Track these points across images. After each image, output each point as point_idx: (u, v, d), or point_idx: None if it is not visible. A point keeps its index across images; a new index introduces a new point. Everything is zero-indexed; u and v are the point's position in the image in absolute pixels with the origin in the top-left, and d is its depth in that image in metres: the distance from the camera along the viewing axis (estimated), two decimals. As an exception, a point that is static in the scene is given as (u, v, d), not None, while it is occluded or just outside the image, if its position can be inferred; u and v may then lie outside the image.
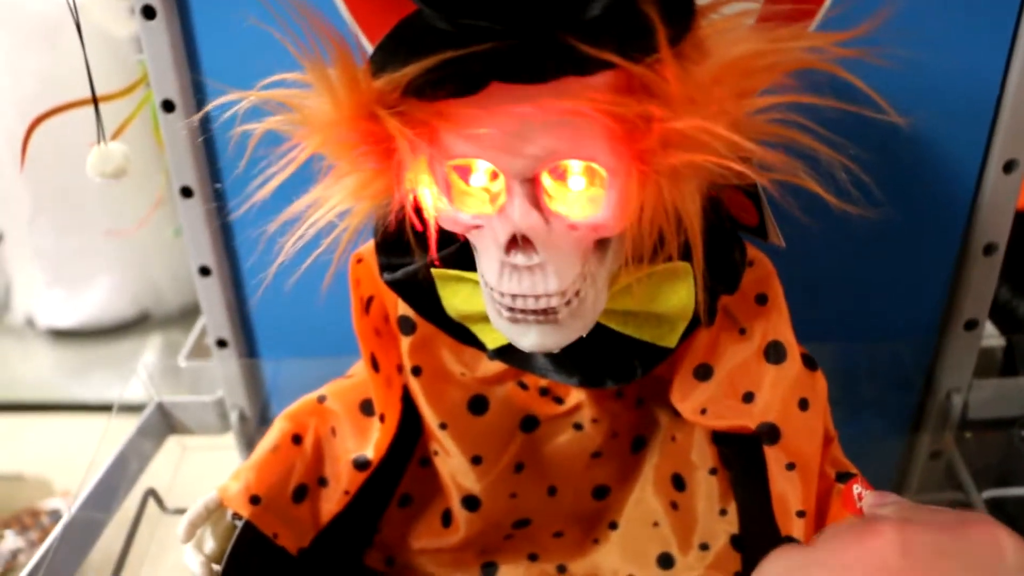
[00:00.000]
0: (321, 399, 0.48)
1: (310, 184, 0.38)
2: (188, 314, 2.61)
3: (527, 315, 0.34)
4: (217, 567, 0.45)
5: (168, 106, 0.53)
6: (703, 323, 0.39)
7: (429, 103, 0.31)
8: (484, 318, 0.38)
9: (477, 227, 0.34)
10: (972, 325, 0.58)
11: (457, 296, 0.40)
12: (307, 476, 0.47)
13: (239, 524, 0.45)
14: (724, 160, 0.30)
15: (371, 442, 0.46)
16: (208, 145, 0.54)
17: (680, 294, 0.37)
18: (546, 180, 0.33)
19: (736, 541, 0.47)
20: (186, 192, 0.55)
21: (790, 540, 0.41)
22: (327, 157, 0.36)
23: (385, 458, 0.47)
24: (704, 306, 0.37)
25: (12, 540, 1.83)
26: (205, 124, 0.52)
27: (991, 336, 0.64)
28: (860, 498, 0.40)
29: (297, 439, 0.47)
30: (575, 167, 0.32)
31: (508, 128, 0.31)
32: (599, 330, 0.38)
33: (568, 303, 0.34)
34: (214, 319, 0.60)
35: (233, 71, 0.50)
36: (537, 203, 0.32)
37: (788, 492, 0.40)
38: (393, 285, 0.41)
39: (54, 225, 2.46)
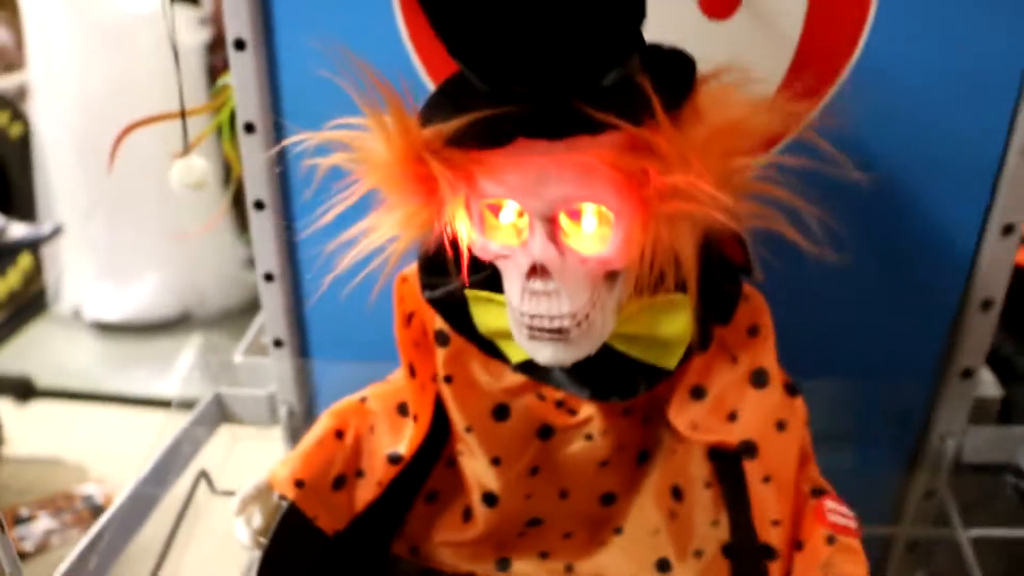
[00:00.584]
0: (363, 400, 0.55)
1: (366, 208, 0.45)
2: (228, 317, 2.72)
3: (543, 333, 0.41)
4: (263, 540, 0.52)
5: (249, 128, 0.60)
6: (697, 348, 0.45)
7: (468, 152, 0.38)
8: (509, 335, 0.45)
9: (504, 256, 0.41)
10: (968, 374, 0.64)
11: (487, 315, 0.46)
12: (346, 467, 0.54)
13: (284, 504, 0.52)
14: (709, 210, 0.36)
15: (404, 440, 0.53)
16: (281, 167, 0.62)
17: (679, 322, 0.43)
18: (563, 220, 0.39)
19: (726, 549, 0.53)
20: (259, 205, 0.63)
21: (767, 548, 0.47)
22: (381, 191, 0.43)
23: (416, 455, 0.54)
24: (698, 333, 0.43)
25: (46, 521, 1.93)
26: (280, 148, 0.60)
27: (990, 386, 0.69)
28: (831, 512, 0.46)
29: (340, 434, 0.54)
30: (588, 209, 0.39)
31: (531, 175, 0.38)
32: (608, 351, 0.44)
33: (579, 324, 0.40)
34: (273, 320, 0.67)
35: (309, 100, 0.59)
36: (555, 239, 0.39)
37: (765, 502, 0.46)
38: (432, 302, 0.48)
39: (108, 221, 2.59)
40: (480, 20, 0.35)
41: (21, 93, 2.69)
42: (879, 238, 0.60)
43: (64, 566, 0.60)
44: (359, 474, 0.54)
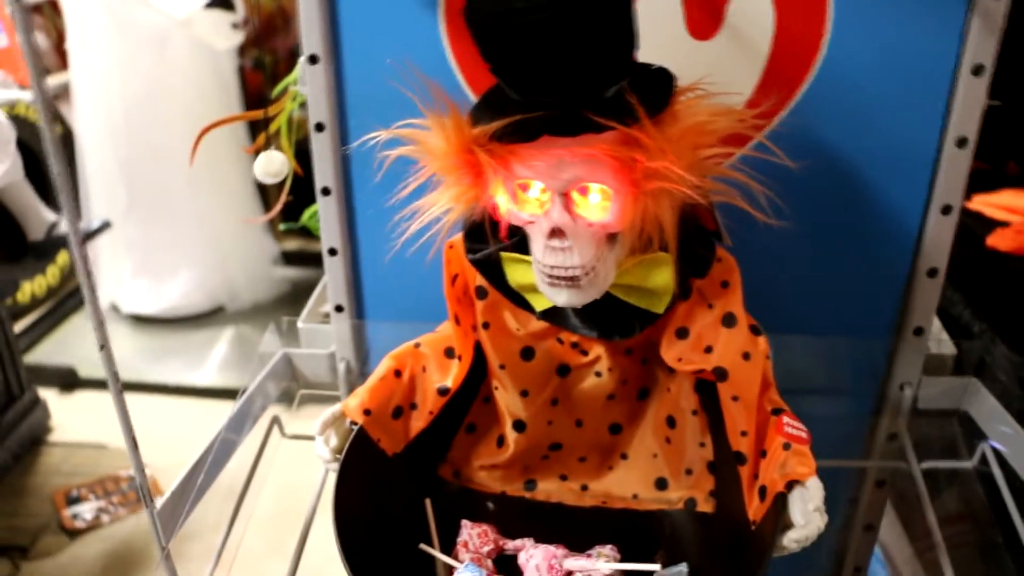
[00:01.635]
0: (417, 345, 0.70)
1: (414, 196, 0.60)
2: (259, 310, 2.88)
3: (560, 281, 0.56)
4: (338, 456, 0.67)
5: (319, 127, 0.75)
6: (680, 297, 0.60)
7: (505, 145, 0.53)
8: (534, 289, 0.60)
9: (531, 222, 0.57)
10: (919, 332, 0.78)
11: (516, 272, 0.62)
12: (403, 400, 0.69)
13: (354, 428, 0.67)
14: (681, 187, 0.51)
15: (451, 375, 0.68)
16: (345, 156, 0.77)
17: (664, 275, 0.58)
18: (575, 195, 0.55)
19: (710, 466, 0.67)
20: (325, 192, 0.78)
21: (738, 454, 0.61)
22: (438, 175, 0.58)
23: (458, 391, 0.69)
24: (679, 285, 0.58)
25: (95, 502, 2.09)
26: (345, 142, 0.75)
27: (946, 344, 0.83)
28: (788, 425, 0.60)
29: (398, 373, 0.69)
30: (593, 187, 0.54)
31: (552, 162, 0.53)
32: (610, 299, 0.60)
33: (587, 274, 0.56)
34: (335, 288, 0.82)
35: (368, 105, 0.74)
36: (569, 209, 0.55)
37: (734, 417, 0.60)
38: (474, 263, 0.63)
39: (145, 219, 2.74)
40: (518, 50, 0.51)
41: (60, 95, 2.85)
42: (839, 218, 0.74)
43: (161, 501, 0.71)
44: (413, 406, 0.69)
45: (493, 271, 0.63)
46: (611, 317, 0.62)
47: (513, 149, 0.54)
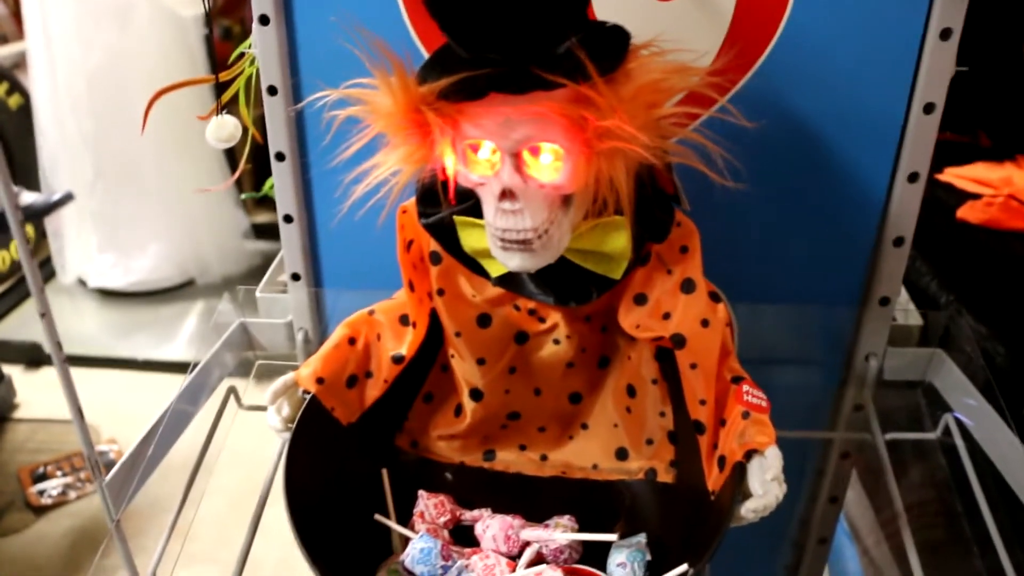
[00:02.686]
0: (371, 312, 0.69)
1: (370, 157, 0.58)
2: (230, 283, 2.85)
3: (513, 245, 0.55)
4: (291, 426, 0.65)
5: (272, 90, 0.74)
6: (637, 263, 0.59)
7: (453, 103, 0.52)
8: (488, 253, 0.58)
9: (482, 184, 0.55)
10: (885, 302, 0.77)
11: (470, 236, 0.60)
12: (358, 369, 0.67)
13: (307, 397, 0.66)
14: (634, 147, 0.50)
15: (406, 343, 0.67)
16: (299, 120, 0.75)
17: (620, 240, 0.57)
18: (526, 155, 0.53)
19: (671, 436, 0.67)
20: (279, 156, 0.76)
21: (697, 423, 0.61)
22: (386, 136, 0.56)
23: (414, 359, 0.68)
24: (635, 249, 0.57)
25: (62, 478, 2.07)
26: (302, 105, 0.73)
27: (912, 315, 0.83)
28: (747, 393, 0.60)
29: (352, 341, 0.67)
30: (545, 147, 0.53)
31: (501, 121, 0.52)
32: (566, 264, 0.58)
33: (539, 237, 0.54)
34: (291, 256, 0.81)
35: (321, 66, 0.72)
36: (519, 170, 0.53)
37: (693, 385, 0.60)
38: (427, 227, 0.62)
39: (111, 191, 2.71)
40: (463, 3, 0.49)
41: (16, 64, 2.80)
42: (804, 185, 0.73)
43: (112, 473, 0.70)
44: (368, 374, 0.68)
45: (447, 236, 0.62)
46: (567, 283, 0.60)
47: (462, 108, 0.52)
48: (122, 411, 2.03)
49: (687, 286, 0.60)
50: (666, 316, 0.60)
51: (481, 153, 0.55)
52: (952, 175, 1.33)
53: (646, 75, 0.52)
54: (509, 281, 0.62)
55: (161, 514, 0.72)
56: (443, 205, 0.60)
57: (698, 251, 0.61)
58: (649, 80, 0.52)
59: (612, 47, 0.53)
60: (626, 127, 0.50)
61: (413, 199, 0.63)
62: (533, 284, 0.62)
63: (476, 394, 0.68)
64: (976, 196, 1.25)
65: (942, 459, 0.77)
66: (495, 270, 0.62)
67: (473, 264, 0.63)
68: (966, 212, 1.21)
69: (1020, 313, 0.94)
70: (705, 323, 0.59)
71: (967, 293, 0.96)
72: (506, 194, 0.54)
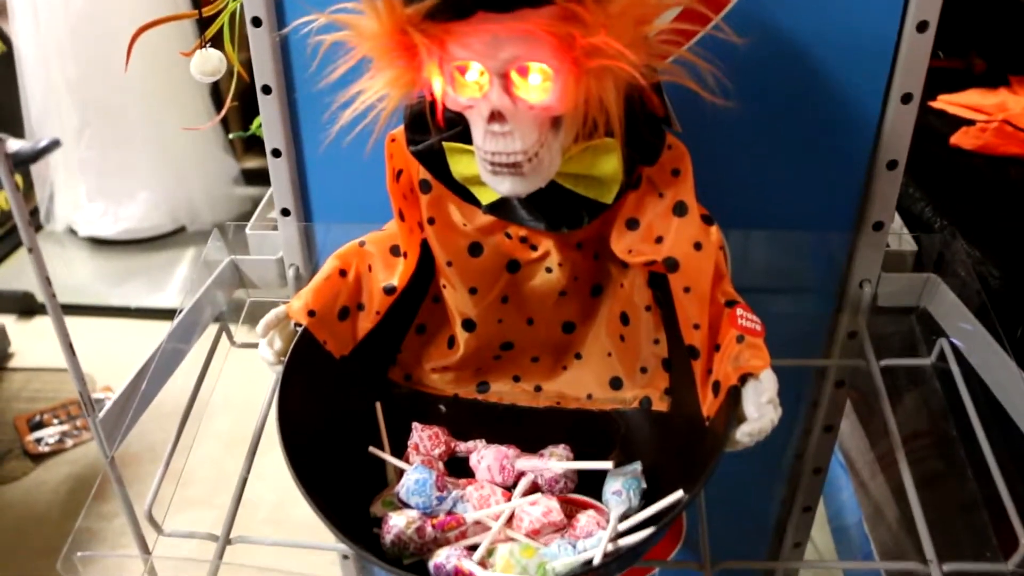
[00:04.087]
0: (361, 243, 0.68)
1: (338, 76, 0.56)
2: (220, 227, 2.83)
3: (503, 168, 0.54)
4: (283, 359, 0.65)
5: (256, 22, 0.72)
6: (627, 185, 0.58)
7: (440, 23, 0.50)
8: (479, 180, 0.57)
9: (470, 107, 0.54)
10: (879, 226, 0.76)
11: (460, 163, 0.59)
12: (349, 300, 0.67)
13: (299, 330, 0.65)
14: (623, 65, 0.49)
15: (397, 273, 0.66)
16: (284, 53, 0.74)
17: (611, 162, 0.56)
18: (514, 76, 0.52)
19: (665, 364, 0.66)
20: (266, 90, 0.75)
21: (691, 348, 0.60)
22: (373, 59, 0.55)
23: (406, 290, 0.67)
24: (625, 171, 0.56)
25: (58, 426, 2.08)
26: (283, 37, 0.72)
27: (906, 240, 0.82)
28: (741, 317, 0.59)
29: (343, 272, 0.66)
30: (533, 67, 0.51)
31: (488, 40, 0.50)
32: (556, 188, 0.57)
33: (530, 160, 0.53)
34: (280, 191, 0.80)
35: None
36: (508, 91, 0.52)
37: (686, 309, 0.59)
38: (416, 155, 0.61)
39: (99, 139, 2.68)
40: None
41: (-1, 12, 2.75)
42: (797, 109, 0.72)
43: (104, 410, 0.70)
44: (360, 307, 0.67)
45: (436, 163, 0.61)
46: (558, 208, 0.60)
47: (448, 28, 0.50)
48: (116, 359, 2.02)
49: (679, 209, 0.59)
50: (658, 240, 0.59)
51: (469, 75, 0.53)
52: (945, 102, 1.31)
53: None
54: (500, 208, 0.61)
55: (156, 460, 0.72)
56: (432, 131, 0.59)
57: (690, 174, 0.60)
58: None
59: None
60: (615, 44, 0.49)
61: (401, 127, 0.62)
62: (524, 210, 0.61)
63: (469, 324, 0.68)
64: (970, 122, 1.24)
65: (937, 385, 0.77)
66: (486, 197, 0.61)
67: (463, 192, 0.62)
68: (960, 138, 1.20)
69: (1014, 236, 0.93)
70: (698, 246, 0.58)
71: (961, 218, 0.96)
72: (495, 116, 0.52)
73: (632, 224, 0.60)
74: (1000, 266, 0.87)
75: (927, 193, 0.99)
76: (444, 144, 0.59)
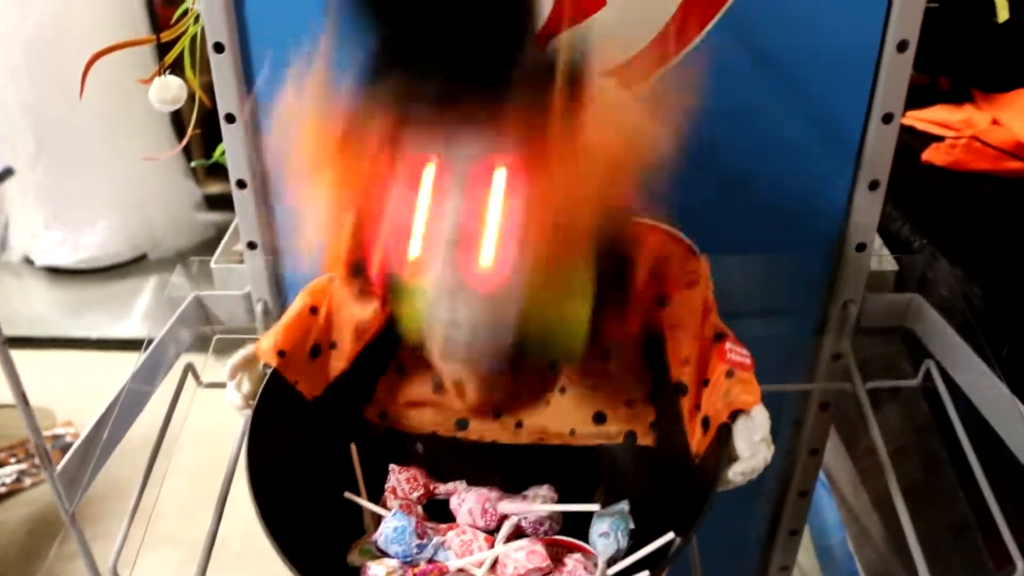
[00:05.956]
0: (331, 279, 0.65)
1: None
2: (183, 257, 2.77)
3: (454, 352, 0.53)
4: (252, 402, 0.62)
5: (219, 48, 0.69)
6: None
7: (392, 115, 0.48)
8: None
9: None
10: (862, 247, 0.75)
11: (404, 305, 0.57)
12: (320, 338, 0.64)
13: (268, 371, 0.62)
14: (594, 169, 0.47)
15: (369, 311, 0.63)
16: (248, 79, 0.71)
17: (579, 301, 0.54)
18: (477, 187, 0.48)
19: (650, 397, 0.64)
20: (229, 119, 0.72)
21: (679, 384, 0.58)
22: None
23: (382, 331, 0.64)
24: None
25: (16, 465, 2.01)
26: (247, 63, 0.69)
27: (887, 261, 0.81)
28: (730, 351, 0.57)
29: (314, 310, 0.64)
30: (497, 166, 0.48)
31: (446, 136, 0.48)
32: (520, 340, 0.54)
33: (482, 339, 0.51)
34: (246, 225, 0.77)
35: (271, 18, 0.68)
36: (469, 199, 0.48)
37: (677, 344, 0.57)
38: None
39: (56, 165, 2.62)
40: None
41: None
42: (779, 130, 0.71)
43: (63, 462, 0.66)
44: (332, 346, 0.64)
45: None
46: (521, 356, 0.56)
47: (398, 128, 0.48)
48: (78, 392, 1.98)
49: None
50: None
51: (424, 181, 0.50)
52: (913, 118, 1.31)
53: (606, 93, 0.49)
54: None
55: (121, 498, 0.69)
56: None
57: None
58: (609, 98, 0.49)
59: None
60: (586, 147, 0.47)
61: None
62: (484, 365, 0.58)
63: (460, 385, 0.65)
64: (939, 138, 1.24)
65: (924, 406, 0.76)
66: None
67: None
68: (931, 154, 1.19)
69: (994, 254, 0.93)
70: (690, 284, 0.57)
71: (939, 236, 0.95)
72: (451, 240, 0.49)
73: None
74: (983, 285, 0.86)
75: (902, 211, 0.98)
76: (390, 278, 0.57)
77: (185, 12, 0.78)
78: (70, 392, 2.04)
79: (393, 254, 0.51)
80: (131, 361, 0.75)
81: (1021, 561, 0.60)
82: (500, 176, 0.48)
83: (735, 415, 0.54)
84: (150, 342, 0.77)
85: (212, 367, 0.81)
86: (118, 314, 2.59)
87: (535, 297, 0.52)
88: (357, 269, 0.62)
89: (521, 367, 0.66)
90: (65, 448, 0.63)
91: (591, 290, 0.54)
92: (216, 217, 2.86)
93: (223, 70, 0.70)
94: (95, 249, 2.75)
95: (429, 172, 0.49)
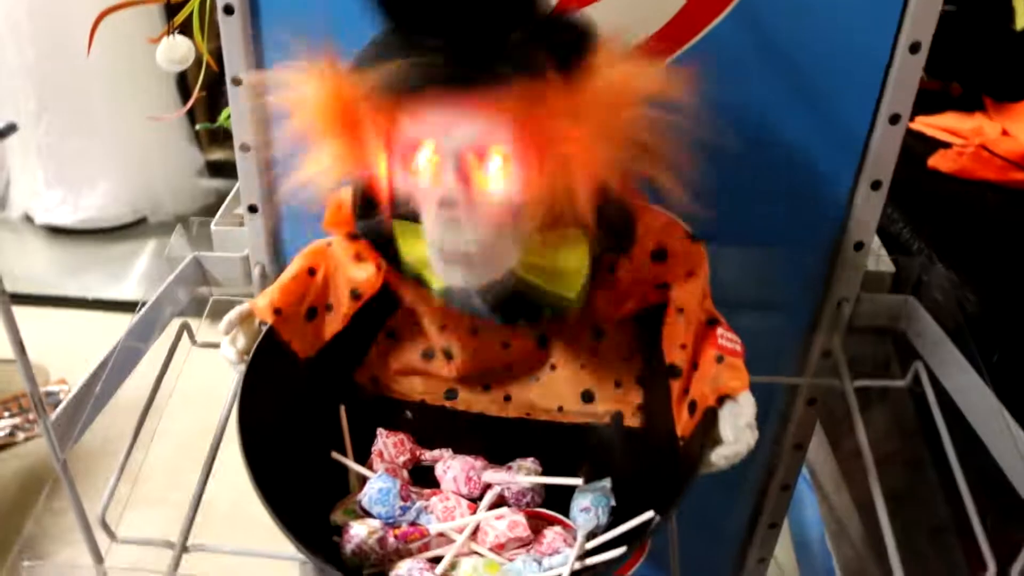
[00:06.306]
0: (330, 244, 0.66)
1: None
2: (183, 221, 2.77)
3: (454, 257, 0.51)
4: (246, 358, 0.63)
5: (228, 9, 0.69)
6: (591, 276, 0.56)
7: (389, 98, 0.47)
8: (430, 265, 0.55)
9: (421, 190, 0.50)
10: (859, 247, 0.76)
11: (410, 245, 0.56)
12: (317, 301, 0.65)
13: (263, 329, 0.63)
14: (594, 155, 0.46)
15: (366, 276, 0.64)
16: (256, 43, 0.71)
17: (576, 256, 0.54)
18: (471, 159, 0.48)
19: (639, 380, 0.65)
20: (236, 82, 0.72)
21: (672, 367, 0.59)
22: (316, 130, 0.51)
23: (377, 294, 0.65)
24: (590, 264, 0.54)
25: (9, 419, 2.02)
26: (256, 27, 0.70)
27: (884, 262, 0.82)
28: (721, 337, 0.58)
29: (312, 271, 0.64)
30: (492, 151, 0.48)
31: (443, 119, 0.47)
32: (515, 279, 0.54)
33: (484, 251, 0.50)
34: (248, 188, 0.77)
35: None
36: (463, 175, 0.48)
37: (677, 329, 0.58)
38: (363, 234, 0.59)
39: (59, 125, 2.62)
40: None
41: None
42: (785, 125, 0.71)
43: (58, 411, 0.67)
44: (328, 307, 0.65)
45: (384, 242, 0.58)
46: (516, 300, 0.56)
47: (399, 103, 0.47)
48: (72, 351, 1.98)
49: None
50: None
51: (420, 155, 0.49)
52: (922, 123, 1.32)
53: (610, 73, 0.47)
54: (453, 295, 0.58)
55: (111, 456, 0.70)
56: (381, 210, 0.55)
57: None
58: (613, 79, 0.47)
59: (572, 39, 0.48)
60: (584, 131, 0.46)
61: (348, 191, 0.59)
62: (479, 299, 0.56)
63: (446, 354, 0.67)
64: (947, 145, 1.25)
65: (911, 407, 0.77)
66: (437, 282, 0.58)
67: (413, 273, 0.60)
68: (937, 161, 1.20)
69: (992, 262, 0.94)
70: (691, 271, 0.58)
71: (938, 241, 0.96)
72: (447, 203, 0.49)
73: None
74: (977, 291, 0.87)
75: (904, 214, 0.99)
76: (394, 222, 0.56)
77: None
78: (65, 350, 2.04)
79: (399, 179, 0.50)
80: (127, 322, 0.75)
81: (993, 563, 0.61)
82: (494, 158, 0.48)
83: (722, 400, 0.55)
84: (147, 301, 0.78)
85: (206, 331, 0.82)
86: (116, 275, 2.59)
87: (534, 239, 0.52)
88: (356, 233, 0.62)
89: (514, 335, 0.66)
90: (57, 405, 0.64)
91: (588, 248, 0.54)
92: (218, 184, 2.86)
93: (232, 33, 0.70)
94: (95, 210, 2.75)
95: (425, 151, 0.49)
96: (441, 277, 0.54)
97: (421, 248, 0.55)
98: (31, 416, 2.04)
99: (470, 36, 0.45)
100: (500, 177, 0.48)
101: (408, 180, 0.50)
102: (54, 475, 0.68)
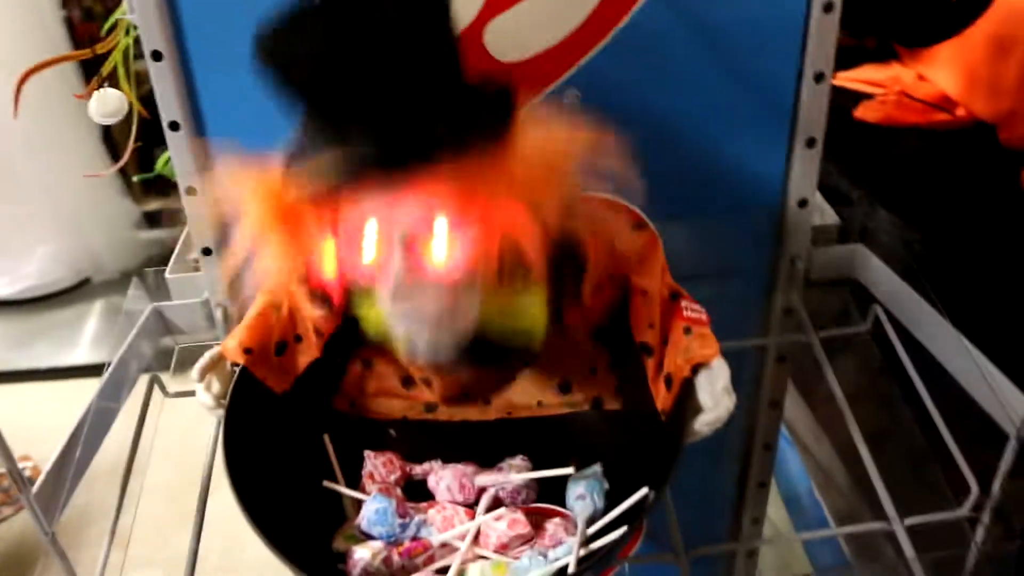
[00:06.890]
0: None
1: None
2: (128, 278, 2.72)
3: (413, 332, 0.52)
4: (223, 402, 0.63)
5: (157, 56, 0.69)
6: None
7: (327, 190, 0.48)
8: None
9: (372, 272, 0.51)
10: (803, 204, 0.78)
11: (371, 320, 0.57)
12: (285, 334, 0.65)
13: (236, 370, 0.63)
14: (531, 213, 0.48)
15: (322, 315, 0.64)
16: (190, 86, 0.71)
17: (533, 311, 0.55)
18: (419, 237, 0.49)
19: (612, 362, 0.67)
20: (173, 126, 0.72)
21: (644, 345, 0.60)
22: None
23: (342, 327, 0.65)
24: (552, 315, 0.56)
25: (-23, 504, 1.97)
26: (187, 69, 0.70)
27: (829, 215, 0.84)
28: (686, 309, 0.60)
29: (276, 307, 0.65)
30: (437, 225, 0.49)
31: (382, 204, 0.48)
32: (479, 335, 0.54)
33: (441, 322, 0.51)
34: (199, 231, 0.77)
35: (208, 21, 0.68)
36: (412, 253, 0.49)
37: (645, 310, 0.60)
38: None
39: (-13, 197, 2.55)
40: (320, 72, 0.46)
41: None
42: (715, 94, 0.73)
43: (38, 484, 0.66)
44: (297, 339, 0.65)
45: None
46: (481, 350, 0.56)
47: (338, 194, 0.48)
48: (32, 425, 1.93)
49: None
50: None
51: (366, 241, 0.50)
52: (844, 79, 1.36)
53: (535, 136, 0.49)
54: (417, 355, 0.56)
55: (93, 523, 0.69)
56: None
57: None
58: (538, 142, 0.49)
59: (495, 107, 0.49)
60: (520, 194, 0.48)
61: None
62: (443, 357, 0.56)
63: (427, 382, 0.68)
64: (869, 96, 1.28)
65: (876, 351, 0.79)
66: (400, 344, 0.57)
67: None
68: (863, 112, 1.24)
69: (929, 200, 0.97)
70: (644, 255, 0.59)
71: (876, 188, 0.98)
72: (400, 296, 0.50)
73: None
74: (920, 230, 0.89)
75: (840, 166, 1.02)
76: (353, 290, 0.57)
77: (115, 25, 0.77)
78: (24, 426, 1.99)
79: (348, 264, 0.52)
80: (83, 388, 0.75)
81: (976, 484, 0.64)
82: (442, 222, 0.49)
83: (696, 369, 0.57)
84: (112, 361, 0.77)
85: (176, 382, 0.82)
86: (66, 341, 2.54)
87: (490, 300, 0.53)
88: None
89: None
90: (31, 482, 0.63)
91: (544, 293, 0.55)
92: (157, 234, 2.82)
93: (163, 78, 0.70)
94: (35, 278, 2.69)
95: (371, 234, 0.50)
96: (402, 346, 0.54)
97: (378, 313, 0.56)
98: (10, 491, 1.99)
99: (397, 122, 0.47)
100: (447, 251, 0.49)
101: (359, 265, 0.51)
102: (37, 554, 0.67)
